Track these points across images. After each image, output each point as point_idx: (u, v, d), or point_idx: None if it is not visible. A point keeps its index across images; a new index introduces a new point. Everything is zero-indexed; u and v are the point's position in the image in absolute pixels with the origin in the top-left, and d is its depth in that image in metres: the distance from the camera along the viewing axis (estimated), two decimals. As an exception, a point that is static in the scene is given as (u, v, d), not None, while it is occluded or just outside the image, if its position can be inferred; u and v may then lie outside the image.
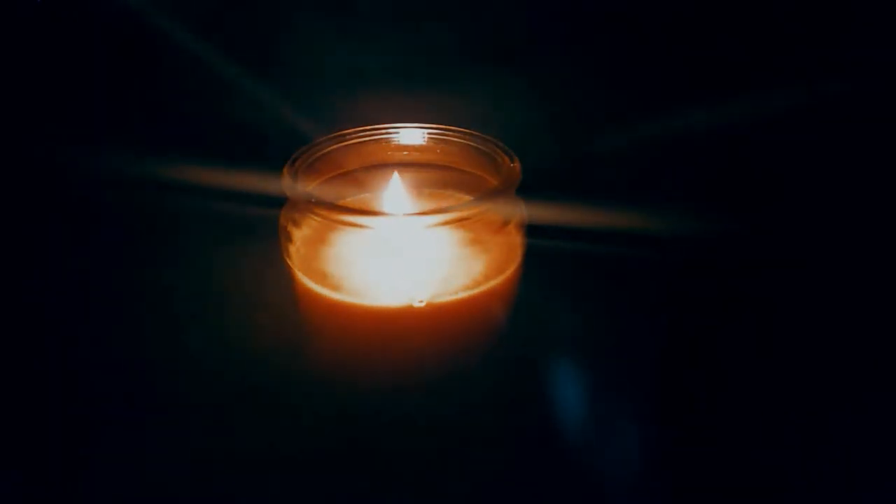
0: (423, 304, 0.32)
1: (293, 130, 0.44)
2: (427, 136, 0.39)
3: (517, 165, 0.35)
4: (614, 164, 0.46)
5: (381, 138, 0.39)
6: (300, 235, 0.35)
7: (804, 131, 0.46)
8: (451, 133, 0.38)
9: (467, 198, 0.38)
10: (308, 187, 0.36)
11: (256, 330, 0.40)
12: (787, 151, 0.47)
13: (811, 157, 0.46)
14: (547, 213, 0.38)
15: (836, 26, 0.45)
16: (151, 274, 0.44)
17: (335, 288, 0.33)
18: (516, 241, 0.35)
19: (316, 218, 0.33)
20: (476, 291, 0.33)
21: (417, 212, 0.32)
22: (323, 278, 0.34)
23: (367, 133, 0.39)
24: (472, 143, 0.37)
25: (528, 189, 0.34)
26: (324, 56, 0.47)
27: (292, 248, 0.35)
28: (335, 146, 0.38)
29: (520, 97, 0.47)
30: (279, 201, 0.36)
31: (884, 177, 0.43)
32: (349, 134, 0.38)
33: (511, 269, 0.35)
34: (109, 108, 0.48)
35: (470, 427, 0.37)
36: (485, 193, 0.34)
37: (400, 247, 0.34)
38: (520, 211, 0.35)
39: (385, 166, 0.39)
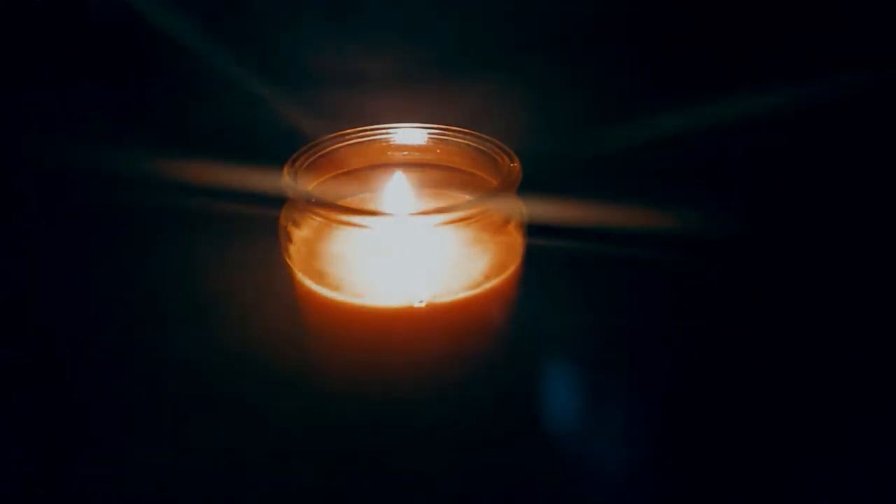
0: (423, 304, 0.32)
1: (293, 130, 0.44)
2: (427, 136, 0.39)
3: (517, 165, 0.34)
4: (615, 164, 0.46)
5: (381, 138, 0.39)
6: (300, 235, 0.35)
7: (804, 129, 0.46)
8: (451, 133, 0.38)
9: (467, 198, 0.38)
10: (308, 187, 0.36)
11: (256, 330, 0.40)
12: (789, 150, 0.47)
13: (809, 156, 0.46)
14: (547, 213, 0.38)
15: (841, 22, 0.45)
16: (150, 274, 0.44)
17: (335, 288, 0.33)
18: (516, 240, 0.35)
19: (316, 218, 0.33)
20: (476, 291, 0.33)
21: (417, 211, 0.32)
22: (323, 278, 0.34)
23: (368, 133, 0.39)
24: (472, 143, 0.37)
25: (528, 189, 0.34)
26: (324, 55, 0.47)
27: (292, 248, 0.35)
28: (335, 146, 0.37)
29: (519, 96, 0.47)
30: (279, 201, 0.36)
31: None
32: (349, 134, 0.38)
33: (511, 269, 0.35)
34: (109, 107, 0.48)
35: (470, 427, 0.37)
36: (485, 193, 0.34)
37: (400, 247, 0.34)
38: (520, 210, 0.35)
39: (385, 166, 0.39)
